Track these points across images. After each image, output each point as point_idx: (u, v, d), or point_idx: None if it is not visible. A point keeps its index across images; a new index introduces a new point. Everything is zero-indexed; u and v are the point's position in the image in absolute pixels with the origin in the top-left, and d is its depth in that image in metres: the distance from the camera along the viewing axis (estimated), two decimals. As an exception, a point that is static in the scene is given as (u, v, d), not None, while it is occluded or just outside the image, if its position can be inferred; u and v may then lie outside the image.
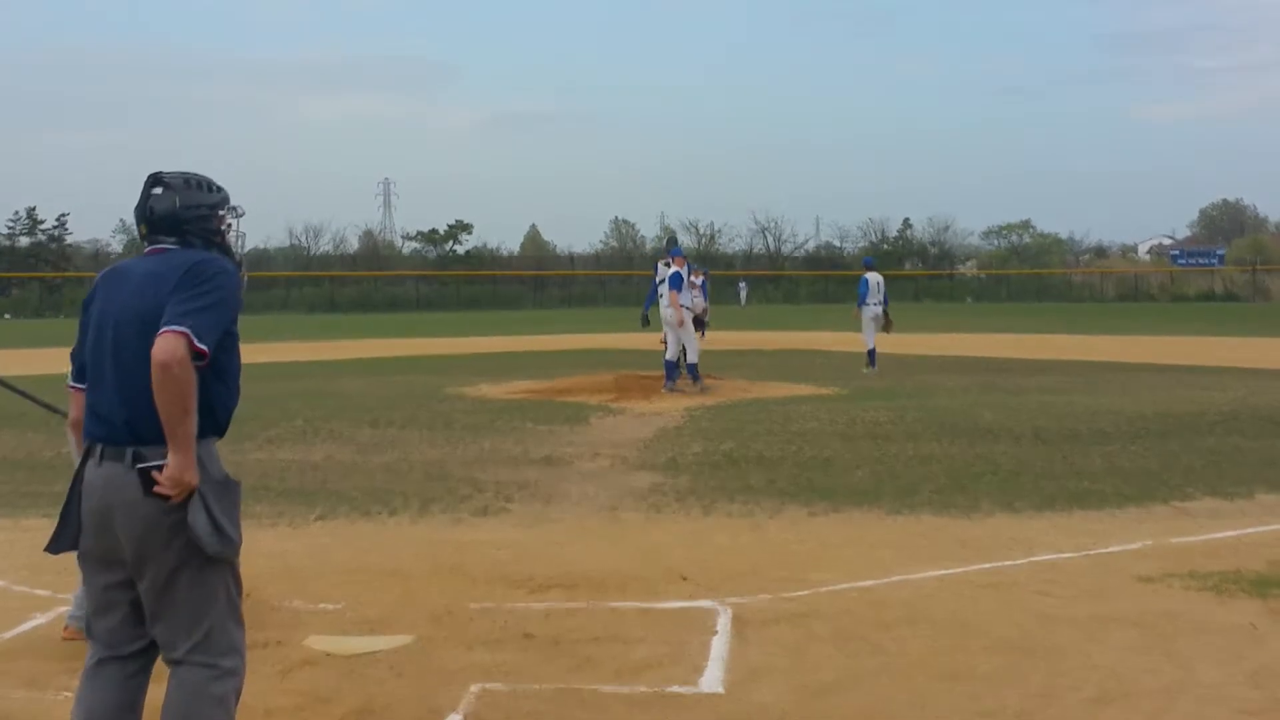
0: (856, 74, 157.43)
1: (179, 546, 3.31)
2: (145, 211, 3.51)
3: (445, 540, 7.18)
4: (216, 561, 3.38)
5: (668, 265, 17.74)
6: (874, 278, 19.85)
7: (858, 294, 19.67)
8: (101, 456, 3.35)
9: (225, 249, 3.57)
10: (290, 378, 19.00)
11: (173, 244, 3.49)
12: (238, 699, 3.48)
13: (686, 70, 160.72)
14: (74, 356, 3.58)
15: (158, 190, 3.50)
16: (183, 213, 3.49)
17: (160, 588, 3.36)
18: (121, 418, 3.33)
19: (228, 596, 3.47)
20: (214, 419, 3.46)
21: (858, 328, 20.06)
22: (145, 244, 3.54)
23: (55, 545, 3.46)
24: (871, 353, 19.32)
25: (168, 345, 3.18)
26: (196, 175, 3.58)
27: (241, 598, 3.55)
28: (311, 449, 10.88)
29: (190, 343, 3.20)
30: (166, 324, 3.21)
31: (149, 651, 3.50)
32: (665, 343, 16.57)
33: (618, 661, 4.90)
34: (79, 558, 3.47)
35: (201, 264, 3.38)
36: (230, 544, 3.38)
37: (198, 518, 3.31)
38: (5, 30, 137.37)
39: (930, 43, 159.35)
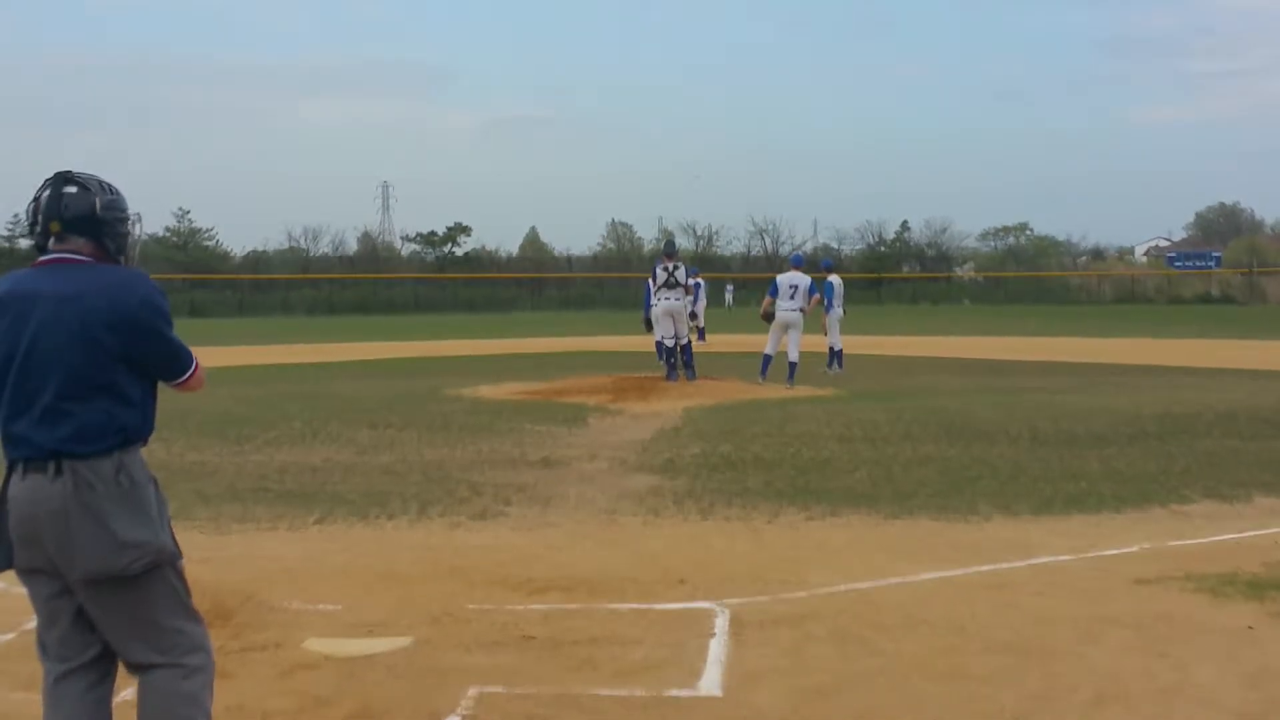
0: (855, 77, 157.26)
1: (106, 560, 3.29)
2: (58, 210, 3.38)
3: (444, 543, 7.19)
4: (154, 565, 3.37)
5: (666, 270, 17.84)
6: (838, 280, 20.35)
7: (825, 297, 19.71)
8: (25, 471, 3.33)
9: (128, 255, 3.53)
10: (289, 380, 19.01)
11: (81, 245, 3.41)
12: (211, 693, 3.48)
13: (685, 73, 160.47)
14: None
15: (71, 189, 3.40)
16: (104, 214, 3.42)
17: (96, 596, 3.35)
18: (48, 445, 3.30)
19: (175, 597, 3.44)
20: (149, 426, 3.48)
21: (818, 330, 20.35)
22: (50, 241, 3.42)
23: None
24: (840, 353, 19.69)
25: (197, 382, 3.58)
26: (103, 179, 3.51)
27: (189, 594, 3.52)
28: (310, 451, 10.88)
29: (197, 368, 3.58)
30: (181, 374, 3.52)
31: (106, 659, 3.47)
32: (671, 340, 17.47)
33: (616, 663, 4.91)
34: (19, 573, 3.43)
35: (143, 303, 3.38)
36: (141, 550, 3.33)
37: (94, 541, 3.28)
38: (5, 33, 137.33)
39: (929, 46, 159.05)
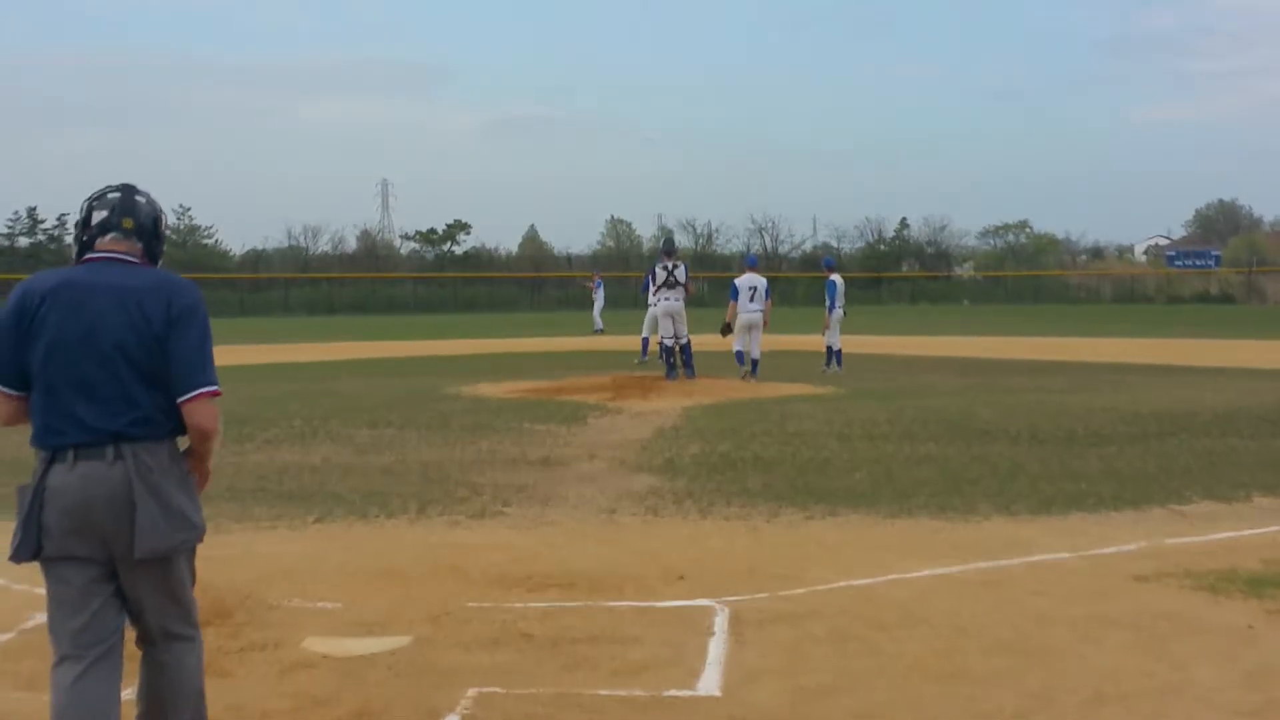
0: (855, 76, 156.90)
1: (164, 538, 3.48)
2: (133, 210, 3.62)
3: (443, 542, 7.19)
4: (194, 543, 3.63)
5: (665, 269, 17.86)
6: (840, 279, 20.18)
7: (828, 297, 19.65)
8: (75, 458, 3.44)
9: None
10: (288, 379, 19.01)
11: (134, 247, 3.62)
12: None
13: (685, 72, 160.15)
14: (3, 363, 3.56)
15: (141, 198, 3.67)
16: (163, 228, 3.70)
17: (142, 575, 3.51)
18: (110, 430, 3.44)
19: (191, 573, 3.71)
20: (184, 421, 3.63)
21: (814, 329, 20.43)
22: (106, 238, 3.60)
23: (20, 555, 3.52)
24: (840, 353, 19.57)
25: (210, 414, 3.55)
26: None
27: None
28: (310, 450, 10.88)
29: (218, 393, 3.61)
30: (195, 387, 3.51)
31: (118, 649, 3.59)
32: (671, 340, 17.58)
33: (615, 662, 4.92)
34: (49, 563, 3.52)
35: (194, 301, 3.57)
36: (196, 530, 3.61)
37: (157, 520, 3.47)
38: (5, 32, 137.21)
39: (929, 46, 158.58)
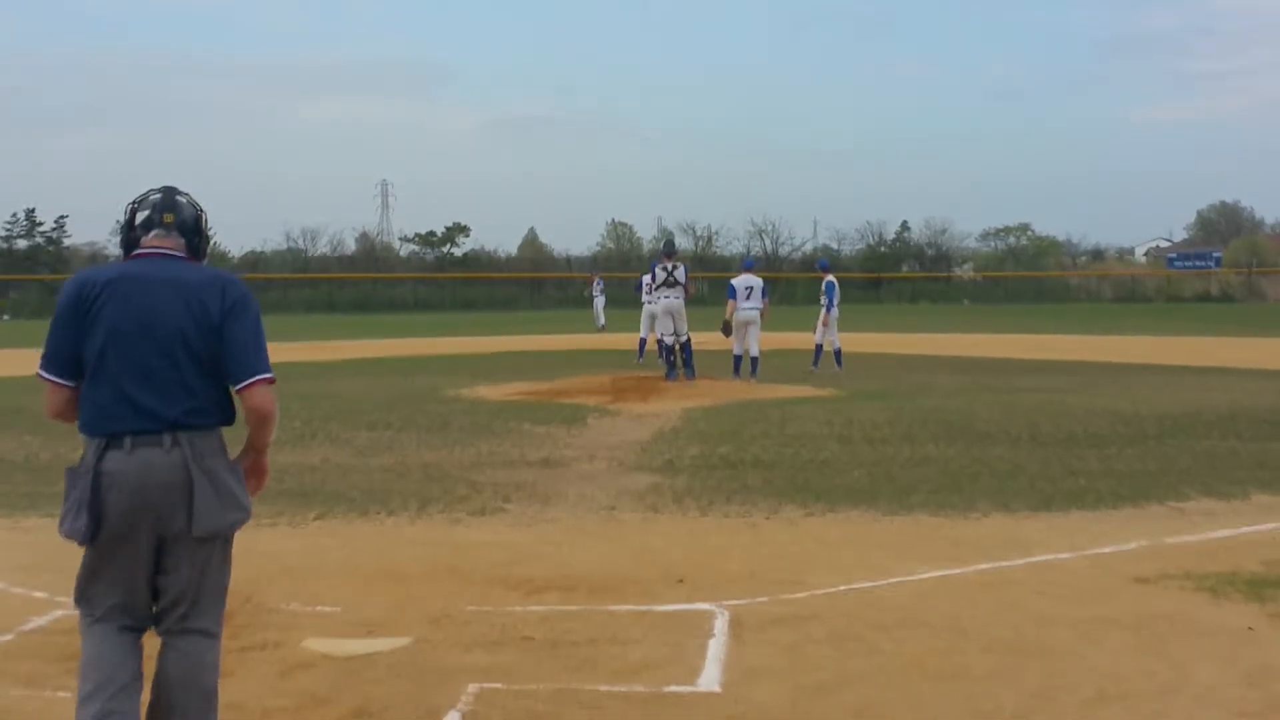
0: (855, 77, 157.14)
1: (219, 518, 3.60)
2: (174, 206, 3.75)
3: (443, 541, 7.19)
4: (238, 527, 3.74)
5: (665, 269, 17.86)
6: (835, 280, 20.34)
7: (826, 297, 19.72)
8: (132, 445, 3.53)
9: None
10: (288, 379, 18.97)
11: (179, 244, 3.73)
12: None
13: (685, 73, 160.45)
14: (60, 353, 3.65)
15: (182, 199, 3.80)
16: (204, 227, 3.82)
17: (195, 556, 3.61)
18: (169, 417, 3.53)
19: (230, 562, 3.81)
20: (236, 412, 3.75)
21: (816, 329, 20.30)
22: (150, 235, 3.72)
23: (82, 538, 3.59)
24: (839, 351, 19.68)
25: (268, 398, 3.67)
26: None
27: None
28: (309, 450, 10.88)
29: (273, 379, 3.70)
30: (254, 373, 3.62)
31: (145, 630, 3.72)
32: (671, 338, 17.67)
33: (615, 662, 4.92)
34: (101, 547, 3.60)
35: (246, 293, 3.67)
36: (246, 511, 3.74)
37: (213, 502, 3.60)
38: (4, 33, 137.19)
39: (929, 47, 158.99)
